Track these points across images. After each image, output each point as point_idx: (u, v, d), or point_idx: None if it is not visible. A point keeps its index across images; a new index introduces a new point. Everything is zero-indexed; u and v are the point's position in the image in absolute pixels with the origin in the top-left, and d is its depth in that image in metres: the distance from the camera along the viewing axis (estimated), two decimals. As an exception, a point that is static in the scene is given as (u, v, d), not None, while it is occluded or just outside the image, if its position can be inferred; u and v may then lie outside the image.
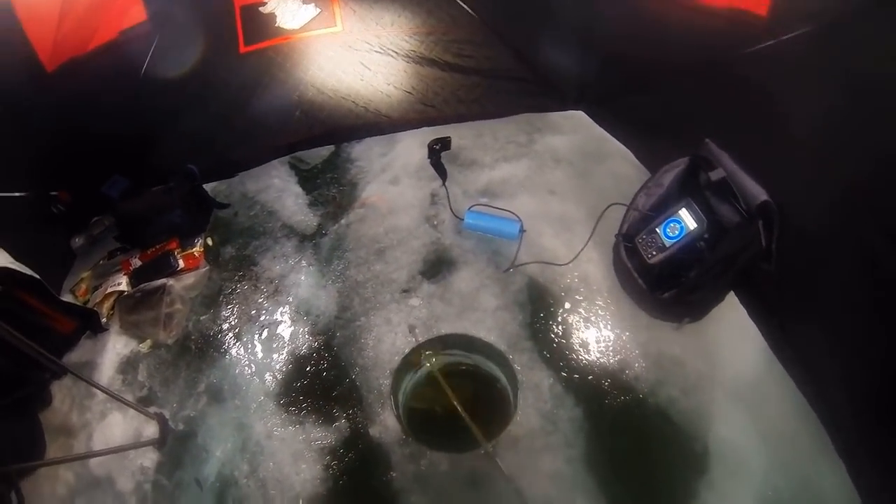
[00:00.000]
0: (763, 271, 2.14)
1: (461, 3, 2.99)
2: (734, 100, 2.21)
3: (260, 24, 3.09)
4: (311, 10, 3.05)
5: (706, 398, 2.24)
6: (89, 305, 2.93)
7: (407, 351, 2.49)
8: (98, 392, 2.70)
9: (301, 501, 2.25)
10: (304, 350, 2.62)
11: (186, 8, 3.02)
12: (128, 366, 2.79)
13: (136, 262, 3.01)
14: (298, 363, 2.60)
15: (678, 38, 2.35)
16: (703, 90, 2.40)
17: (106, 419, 2.63)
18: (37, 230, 3.00)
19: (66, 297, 2.97)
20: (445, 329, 2.53)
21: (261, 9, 3.07)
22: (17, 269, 2.42)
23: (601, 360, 2.38)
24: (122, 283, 2.95)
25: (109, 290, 2.95)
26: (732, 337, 2.34)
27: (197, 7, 3.05)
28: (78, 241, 3.22)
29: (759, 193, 2.02)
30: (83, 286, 3.05)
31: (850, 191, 1.80)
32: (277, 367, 2.61)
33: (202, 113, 3.17)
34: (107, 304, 2.93)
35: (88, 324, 2.87)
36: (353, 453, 2.32)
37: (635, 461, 2.16)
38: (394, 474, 2.23)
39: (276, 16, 3.07)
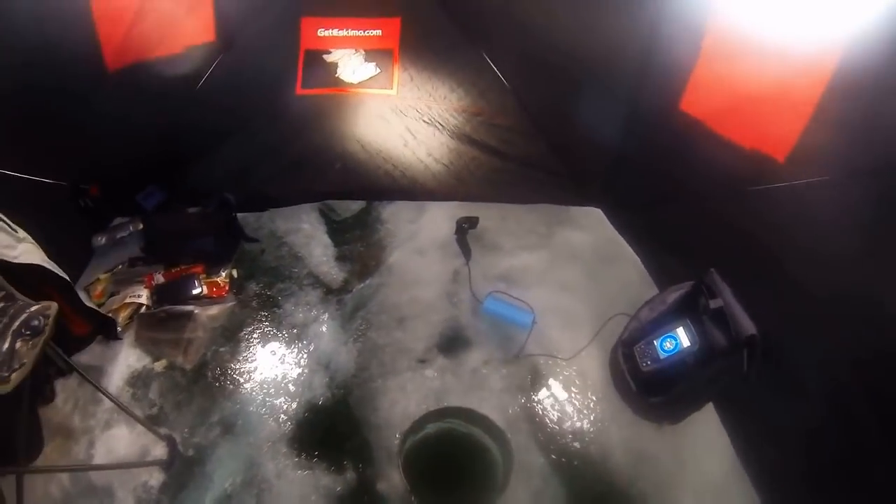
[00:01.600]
0: (739, 390, 2.56)
1: (511, 91, 3.36)
2: (743, 232, 2.58)
3: (320, 71, 3.43)
4: (372, 69, 3.40)
5: (674, 498, 2.63)
6: (104, 310, 3.14)
7: (418, 417, 2.85)
8: (104, 400, 2.89)
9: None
10: (320, 401, 2.95)
11: (253, 39, 3.32)
12: (139, 381, 3.04)
13: (160, 279, 3.29)
14: (314, 412, 2.92)
15: (701, 164, 2.71)
16: (715, 217, 2.79)
17: (111, 430, 2.84)
18: (61, 220, 3.19)
19: (80, 294, 3.13)
20: (455, 402, 2.90)
21: (325, 56, 3.41)
22: (50, 268, 2.60)
23: (588, 449, 2.77)
24: (142, 297, 3.23)
25: (129, 299, 3.21)
26: (705, 442, 2.73)
27: (264, 41, 3.36)
28: (100, 240, 3.47)
29: (748, 327, 2.41)
30: (99, 288, 3.29)
31: (828, 327, 2.16)
32: (293, 412, 2.91)
33: (246, 143, 3.49)
34: (124, 314, 3.18)
35: (103, 329, 3.09)
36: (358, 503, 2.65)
37: None
38: None
39: (337, 66, 3.41)
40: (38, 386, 2.83)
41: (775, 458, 2.52)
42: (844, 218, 2.08)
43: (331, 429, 2.87)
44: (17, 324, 2.08)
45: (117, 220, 3.60)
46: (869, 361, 2.03)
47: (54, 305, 2.16)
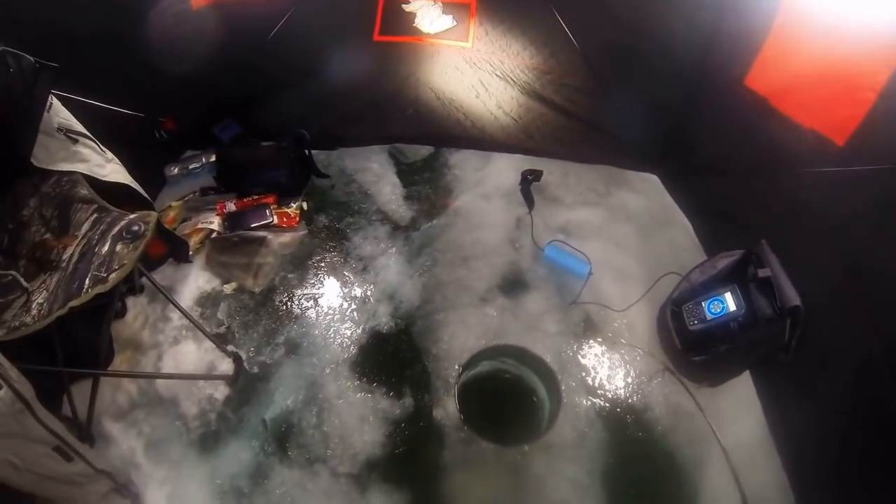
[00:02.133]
0: (779, 361, 2.60)
1: (581, 53, 3.45)
2: (795, 209, 2.65)
3: (399, 19, 3.52)
4: (449, 21, 3.49)
5: (705, 453, 2.69)
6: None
7: (476, 351, 2.95)
8: (173, 318, 3.02)
9: (359, 458, 2.62)
10: (384, 329, 3.05)
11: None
12: (208, 301, 3.15)
13: (232, 207, 3.40)
14: (377, 339, 3.02)
15: (761, 139, 2.80)
16: (770, 192, 2.84)
17: (178, 345, 2.96)
18: (138, 150, 3.22)
19: None
20: (512, 340, 2.99)
21: (403, 6, 3.50)
22: (135, 187, 2.71)
23: (630, 398, 2.85)
24: (214, 223, 3.34)
25: (201, 225, 3.32)
26: (738, 408, 2.79)
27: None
28: (173, 170, 3.60)
29: (794, 298, 2.48)
30: (171, 213, 3.41)
31: (869, 312, 2.19)
32: (356, 337, 3.01)
33: (322, 84, 3.59)
34: (195, 238, 3.29)
35: (177, 252, 3.20)
36: (413, 428, 2.73)
37: (639, 487, 2.60)
38: (446, 453, 2.65)
39: (415, 16, 3.50)
40: (111, 302, 2.95)
41: (802, 431, 2.56)
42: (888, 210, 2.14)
43: (392, 356, 2.97)
44: (116, 229, 2.23)
45: (189, 153, 3.73)
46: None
47: (154, 214, 2.29)
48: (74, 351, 2.37)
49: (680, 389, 2.87)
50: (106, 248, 2.16)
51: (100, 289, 2.03)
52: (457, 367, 2.89)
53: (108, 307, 2.34)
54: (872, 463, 2.17)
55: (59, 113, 2.43)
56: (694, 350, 2.78)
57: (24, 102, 2.19)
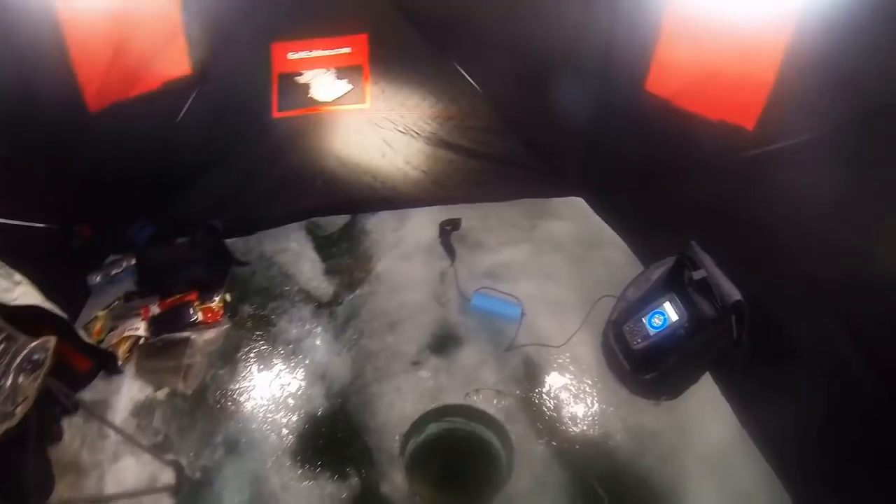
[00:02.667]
0: (735, 358, 2.57)
1: (482, 93, 3.43)
2: (720, 202, 2.65)
3: (294, 93, 3.51)
4: (344, 86, 3.48)
5: (680, 467, 2.64)
6: (104, 346, 3.20)
7: (416, 418, 2.88)
8: (110, 433, 2.94)
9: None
10: (319, 412, 2.98)
11: (228, 68, 3.41)
12: (143, 410, 3.07)
13: (156, 310, 3.35)
14: (314, 423, 2.95)
15: (674, 141, 2.79)
16: (693, 191, 2.85)
17: (119, 461, 2.87)
18: (55, 262, 3.21)
19: (80, 333, 3.20)
20: (450, 399, 2.93)
21: (297, 78, 3.49)
22: (50, 308, 2.67)
23: (588, 432, 2.80)
24: (139, 329, 3.28)
25: (127, 333, 3.26)
26: (706, 412, 2.76)
27: (238, 68, 3.45)
28: (95, 279, 3.53)
29: (733, 293, 2.45)
30: (98, 325, 3.33)
31: (815, 288, 2.20)
32: (293, 425, 2.95)
33: (229, 170, 3.57)
34: (123, 347, 3.22)
35: (104, 365, 3.13)
36: (364, 508, 2.68)
37: None
38: None
39: (310, 87, 3.49)
40: (47, 426, 2.85)
41: (779, 421, 2.53)
42: (818, 178, 2.12)
43: (331, 437, 2.90)
44: (18, 360, 2.17)
45: (111, 258, 3.66)
46: (857, 316, 2.07)
47: (53, 339, 2.26)
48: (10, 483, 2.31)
49: (638, 411, 2.83)
50: (10, 381, 2.11)
51: (7, 425, 2.00)
52: (397, 437, 2.83)
53: (24, 438, 2.21)
54: (854, 442, 2.17)
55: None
56: (644, 369, 2.74)
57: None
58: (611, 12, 2.85)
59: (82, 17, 2.83)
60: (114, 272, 3.57)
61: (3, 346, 2.29)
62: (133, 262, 3.56)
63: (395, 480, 2.71)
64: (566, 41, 3.03)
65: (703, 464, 2.64)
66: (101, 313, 3.40)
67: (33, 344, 2.24)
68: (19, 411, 2.02)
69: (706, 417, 2.75)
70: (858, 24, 1.88)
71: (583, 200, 3.70)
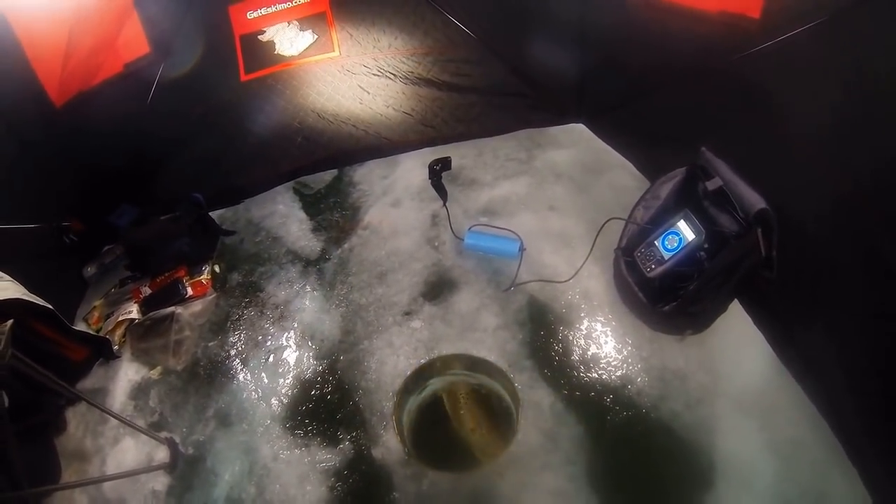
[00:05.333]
0: (765, 279, 2.24)
1: (456, 22, 3.17)
2: (731, 104, 2.36)
3: (259, 53, 3.33)
4: (309, 37, 3.27)
5: (710, 411, 2.34)
6: (102, 333, 3.15)
7: (409, 373, 2.66)
8: (111, 418, 2.92)
9: (307, 523, 2.39)
10: (308, 374, 2.82)
11: (187, 38, 3.27)
12: (139, 392, 3.01)
13: (147, 291, 3.27)
14: (304, 387, 2.80)
15: (672, 43, 2.50)
16: (699, 96, 2.54)
17: (119, 444, 2.84)
18: (50, 260, 3.21)
19: (80, 326, 3.20)
20: (447, 349, 2.70)
21: (259, 37, 3.30)
22: (31, 300, 2.60)
23: (603, 377, 2.51)
24: (132, 311, 3.20)
25: (121, 317, 3.19)
26: (737, 346, 2.45)
27: (198, 37, 3.29)
28: (90, 271, 3.48)
29: (756, 201, 2.14)
30: (95, 314, 3.29)
31: (850, 190, 1.89)
32: (283, 391, 2.80)
33: (206, 141, 3.45)
34: (118, 332, 3.17)
35: (101, 351, 3.09)
36: (356, 475, 2.48)
37: (639, 477, 2.27)
38: (396, 494, 2.39)
39: (274, 43, 3.30)
40: (52, 419, 2.91)
41: (820, 347, 2.18)
42: (829, 68, 1.87)
43: (321, 400, 2.74)
44: None
45: (105, 248, 3.62)
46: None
47: (7, 324, 2.14)
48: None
49: (660, 349, 2.54)
50: None
51: None
52: (391, 394, 2.62)
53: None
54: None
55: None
56: (662, 298, 2.44)
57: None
58: None
59: (30, 13, 2.78)
60: (107, 261, 3.52)
61: None
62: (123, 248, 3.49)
63: (388, 443, 2.51)
64: None
65: (739, 406, 2.33)
66: (97, 302, 3.36)
67: None
68: None
69: (739, 353, 2.44)
70: None
71: (583, 125, 3.40)
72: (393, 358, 2.75)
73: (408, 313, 2.88)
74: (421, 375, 2.68)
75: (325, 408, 2.71)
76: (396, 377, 2.68)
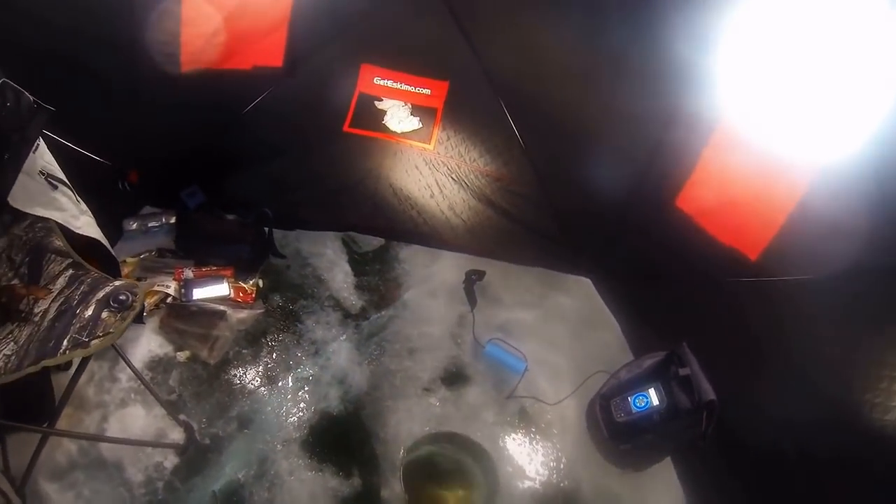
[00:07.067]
0: (696, 447, 2.98)
1: (531, 166, 3.81)
2: (715, 315, 3.06)
3: (369, 115, 3.77)
4: (416, 123, 3.78)
5: None
6: (131, 293, 3.30)
7: (420, 437, 3.19)
8: (122, 378, 3.00)
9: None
10: (335, 412, 3.22)
11: (315, 72, 3.64)
12: (159, 366, 3.20)
13: (189, 274, 3.48)
14: (327, 421, 3.18)
15: (686, 252, 3.11)
16: (692, 298, 3.24)
17: (126, 408, 2.99)
18: (100, 198, 3.19)
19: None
20: (452, 429, 3.26)
21: (376, 103, 3.76)
22: (105, 244, 2.73)
23: (561, 482, 3.18)
24: (171, 287, 3.41)
25: (158, 287, 3.39)
26: (661, 489, 3.15)
27: (324, 76, 3.69)
28: (132, 225, 3.65)
29: (709, 392, 2.82)
30: (126, 270, 3.42)
31: (779, 406, 2.54)
32: (308, 418, 3.17)
33: (289, 164, 3.80)
34: (151, 300, 3.34)
35: None
36: (363, 506, 2.96)
37: None
38: None
39: (386, 114, 3.77)
40: None
41: None
42: (806, 313, 2.54)
43: (342, 437, 3.15)
44: (101, 294, 2.23)
45: (147, 209, 3.80)
46: (802, 426, 2.49)
47: (141, 285, 2.38)
48: (14, 402, 2.33)
49: (607, 474, 3.20)
50: (90, 312, 2.15)
51: (80, 353, 2.05)
52: (402, 450, 3.11)
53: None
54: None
55: (43, 156, 2.43)
56: (619, 439, 3.09)
57: (15, 139, 2.19)
58: (665, 123, 3.11)
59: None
60: (150, 224, 3.70)
61: (70, 271, 2.37)
62: (172, 220, 3.72)
63: (395, 489, 2.98)
64: (617, 143, 3.35)
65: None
66: (131, 259, 3.52)
67: (118, 282, 2.31)
68: (96, 343, 2.05)
69: (661, 493, 3.17)
70: (861, 203, 2.23)
71: (590, 282, 4.07)
72: (409, 422, 3.25)
73: (427, 389, 3.42)
74: (424, 440, 3.20)
75: (345, 444, 3.13)
76: (409, 438, 3.17)
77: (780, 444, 2.59)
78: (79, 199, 2.66)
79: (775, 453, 2.62)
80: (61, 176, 2.57)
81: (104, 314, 2.16)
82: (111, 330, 2.11)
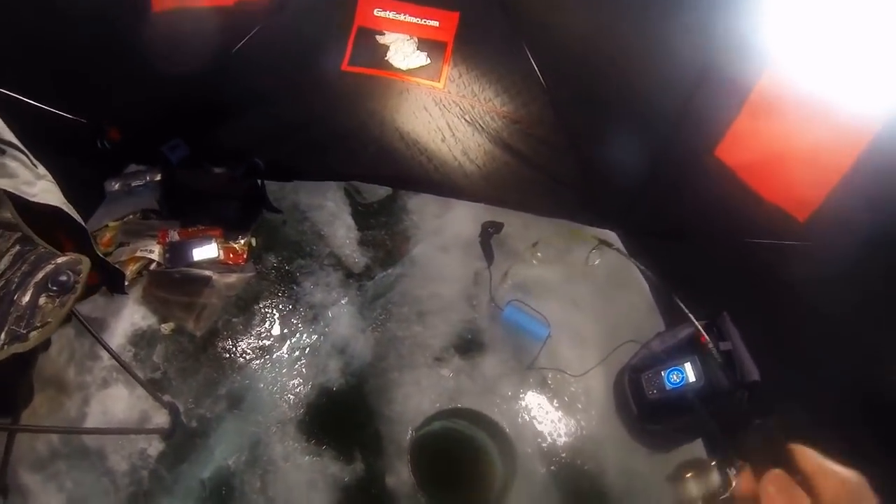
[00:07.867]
0: (732, 433, 2.64)
1: (552, 106, 3.43)
2: (754, 281, 2.73)
3: (370, 51, 3.39)
4: (423, 58, 3.40)
5: None
6: (111, 259, 3.03)
7: (431, 414, 2.91)
8: (103, 356, 2.85)
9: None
10: (334, 387, 2.98)
11: (306, 5, 3.28)
12: (143, 340, 3.00)
13: (175, 236, 3.22)
14: (327, 397, 2.95)
15: (724, 209, 2.83)
16: (730, 261, 2.89)
17: (108, 388, 2.82)
18: (76, 158, 3.08)
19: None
20: (466, 404, 2.99)
21: (377, 37, 3.38)
22: (69, 212, 2.43)
23: (585, 465, 2.90)
24: (154, 252, 3.16)
25: (139, 252, 3.14)
26: None
27: (317, 9, 3.33)
28: (114, 185, 3.37)
29: (753, 373, 2.57)
30: (108, 235, 3.20)
31: (813, 383, 2.35)
32: (305, 394, 2.94)
33: (281, 110, 3.45)
34: (132, 267, 3.11)
35: (111, 282, 2.92)
36: (365, 495, 2.70)
37: None
38: None
39: (388, 49, 3.39)
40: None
41: None
42: (852, 285, 2.20)
43: (343, 416, 2.92)
44: (41, 275, 1.95)
45: (132, 168, 3.50)
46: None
47: (86, 261, 2.02)
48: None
49: (633, 454, 2.93)
50: (27, 298, 1.88)
51: (17, 348, 1.81)
52: (410, 430, 2.86)
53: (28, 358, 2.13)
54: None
55: (-14, 117, 2.16)
56: (651, 419, 2.84)
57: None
58: (702, 69, 2.80)
59: None
60: (134, 184, 3.41)
61: (16, 248, 2.08)
62: (157, 178, 3.41)
63: (401, 474, 2.75)
64: (650, 78, 3.01)
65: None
66: (113, 223, 3.27)
67: (60, 260, 2.01)
68: (34, 336, 1.82)
69: None
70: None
71: (617, 237, 3.73)
72: (418, 396, 2.99)
73: (439, 359, 3.13)
74: (435, 416, 2.93)
75: (346, 424, 2.90)
76: (419, 415, 2.91)
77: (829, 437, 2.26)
78: (36, 162, 2.35)
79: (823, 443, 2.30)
80: (10, 138, 2.26)
81: (41, 300, 1.88)
82: (49, 319, 1.86)
